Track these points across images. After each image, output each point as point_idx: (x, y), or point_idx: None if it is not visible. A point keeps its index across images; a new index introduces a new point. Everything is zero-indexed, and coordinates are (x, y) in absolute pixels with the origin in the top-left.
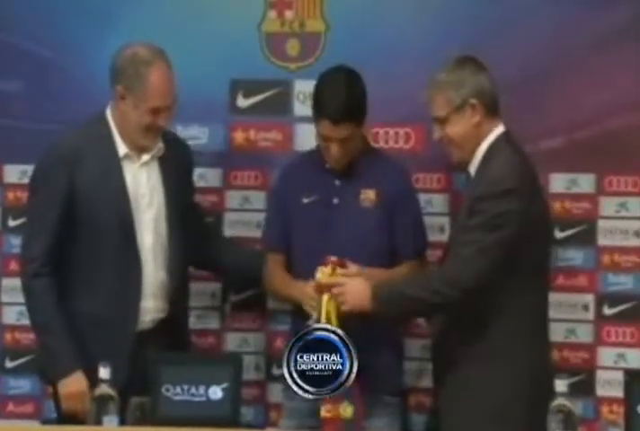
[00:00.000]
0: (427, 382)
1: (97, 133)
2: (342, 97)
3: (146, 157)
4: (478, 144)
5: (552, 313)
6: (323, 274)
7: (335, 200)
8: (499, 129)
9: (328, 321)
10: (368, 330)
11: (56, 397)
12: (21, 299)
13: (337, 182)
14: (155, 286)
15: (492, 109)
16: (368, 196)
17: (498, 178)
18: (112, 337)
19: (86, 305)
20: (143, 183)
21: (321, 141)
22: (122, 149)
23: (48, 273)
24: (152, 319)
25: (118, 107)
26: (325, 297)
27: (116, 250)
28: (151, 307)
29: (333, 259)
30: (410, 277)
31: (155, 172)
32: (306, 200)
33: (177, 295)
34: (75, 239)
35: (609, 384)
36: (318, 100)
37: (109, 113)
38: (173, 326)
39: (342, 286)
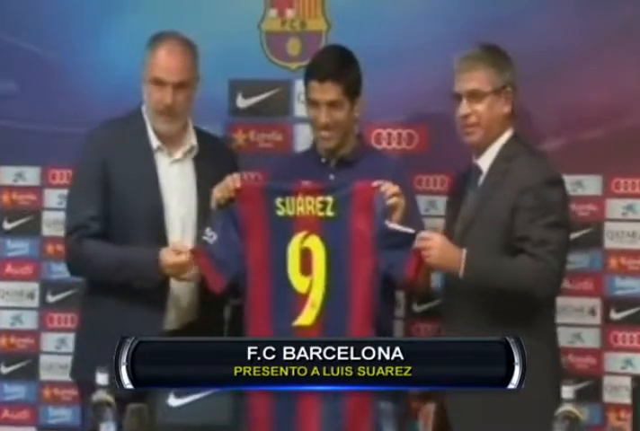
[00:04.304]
0: None
1: (131, 125)
2: (331, 57)
3: (178, 154)
4: (498, 136)
5: (558, 318)
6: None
7: None
8: (511, 130)
9: None
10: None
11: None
12: (16, 303)
13: (331, 176)
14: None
15: (514, 106)
16: None
17: (542, 168)
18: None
19: (112, 300)
20: (174, 180)
21: (310, 111)
22: (155, 142)
23: (96, 237)
24: (177, 318)
25: None
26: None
27: (145, 244)
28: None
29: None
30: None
31: (188, 172)
32: None
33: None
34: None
35: (616, 390)
36: (309, 64)
37: (143, 106)
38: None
39: (429, 240)
